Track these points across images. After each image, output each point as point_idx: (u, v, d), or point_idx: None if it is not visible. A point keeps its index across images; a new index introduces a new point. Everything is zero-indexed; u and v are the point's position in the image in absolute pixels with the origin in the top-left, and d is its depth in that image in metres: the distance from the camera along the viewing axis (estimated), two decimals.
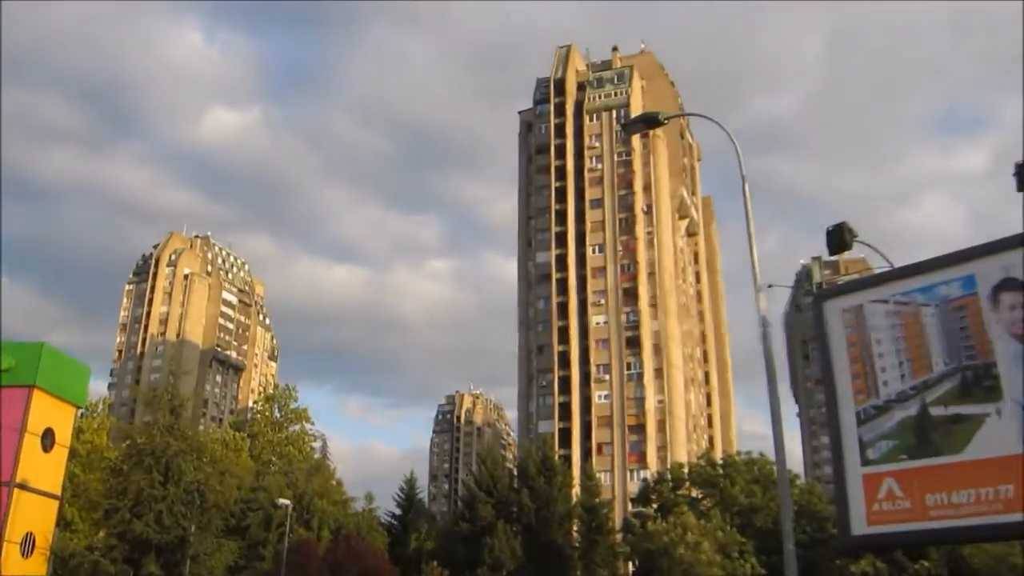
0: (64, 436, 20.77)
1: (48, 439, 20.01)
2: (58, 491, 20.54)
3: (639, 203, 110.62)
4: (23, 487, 18.79)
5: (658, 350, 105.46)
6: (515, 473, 70.81)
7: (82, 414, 74.92)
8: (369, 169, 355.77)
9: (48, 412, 20.19)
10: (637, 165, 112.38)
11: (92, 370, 23.44)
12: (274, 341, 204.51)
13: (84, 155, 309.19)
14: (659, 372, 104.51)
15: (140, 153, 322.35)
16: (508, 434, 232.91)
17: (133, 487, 44.56)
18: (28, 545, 21.04)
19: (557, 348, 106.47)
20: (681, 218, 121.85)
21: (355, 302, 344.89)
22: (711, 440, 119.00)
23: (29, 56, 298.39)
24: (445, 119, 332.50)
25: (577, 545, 65.58)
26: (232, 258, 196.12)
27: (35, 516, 20.42)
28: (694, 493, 70.86)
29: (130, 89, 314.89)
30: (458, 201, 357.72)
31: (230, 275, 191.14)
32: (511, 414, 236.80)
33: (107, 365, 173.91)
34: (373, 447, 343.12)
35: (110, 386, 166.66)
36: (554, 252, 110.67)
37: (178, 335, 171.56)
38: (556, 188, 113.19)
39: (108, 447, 68.17)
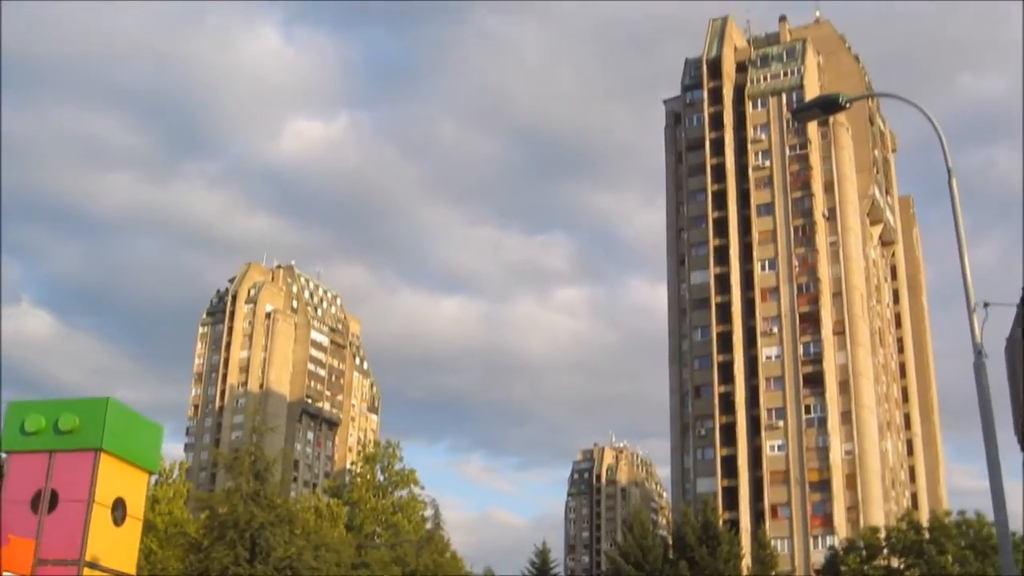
0: (137, 507, 21.65)
1: (119, 511, 20.70)
2: (132, 570, 21.49)
3: (819, 207, 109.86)
4: (94, 566, 19.75)
5: (845, 388, 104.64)
6: (669, 542, 71.07)
7: (156, 481, 78.01)
8: (480, 181, 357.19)
9: (118, 479, 21.00)
10: (815, 160, 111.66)
11: (165, 429, 24.53)
12: (374, 389, 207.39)
13: (147, 180, 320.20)
14: (847, 416, 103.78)
15: (211, 175, 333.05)
16: (660, 495, 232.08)
17: (216, 565, 46.27)
18: None
19: (719, 389, 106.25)
20: (873, 224, 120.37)
21: (470, 341, 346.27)
22: (914, 498, 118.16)
23: (81, 68, 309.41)
24: (571, 116, 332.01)
25: None
26: (321, 291, 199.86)
27: None
28: (894, 563, 70.09)
29: (198, 101, 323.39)
30: (591, 215, 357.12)
31: (319, 311, 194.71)
32: (663, 471, 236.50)
33: (182, 422, 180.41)
34: (496, 514, 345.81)
35: (186, 447, 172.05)
36: (713, 271, 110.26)
37: (261, 385, 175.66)
38: (714, 192, 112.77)
39: (187, 519, 71.01)
